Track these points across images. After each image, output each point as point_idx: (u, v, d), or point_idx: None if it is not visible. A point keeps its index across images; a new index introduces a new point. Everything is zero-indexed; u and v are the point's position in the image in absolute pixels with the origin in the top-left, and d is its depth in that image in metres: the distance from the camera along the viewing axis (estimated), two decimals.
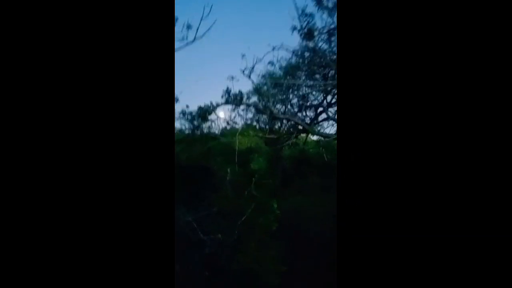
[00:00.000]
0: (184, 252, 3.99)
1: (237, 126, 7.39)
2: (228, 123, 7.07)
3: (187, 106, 6.61)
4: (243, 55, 4.51)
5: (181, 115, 6.52)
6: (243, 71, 5.65)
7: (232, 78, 5.99)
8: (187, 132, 7.01)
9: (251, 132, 7.04)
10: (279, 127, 7.42)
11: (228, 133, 7.71)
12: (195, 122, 6.45)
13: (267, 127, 7.32)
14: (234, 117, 7.26)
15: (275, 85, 6.31)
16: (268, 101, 5.96)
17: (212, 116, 6.45)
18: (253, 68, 5.62)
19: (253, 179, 6.42)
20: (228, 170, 6.91)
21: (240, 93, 6.07)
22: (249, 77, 5.83)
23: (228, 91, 6.12)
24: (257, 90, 6.12)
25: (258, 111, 6.74)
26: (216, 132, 7.28)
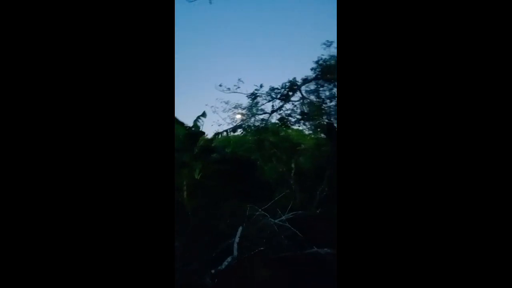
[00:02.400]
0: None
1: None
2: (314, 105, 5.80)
3: (261, 86, 5.37)
4: None
5: (250, 97, 5.37)
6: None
7: (330, 44, 4.74)
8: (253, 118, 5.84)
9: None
10: None
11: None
12: (269, 105, 5.31)
13: None
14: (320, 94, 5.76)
15: None
16: None
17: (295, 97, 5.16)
18: None
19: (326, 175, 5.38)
20: (293, 165, 5.91)
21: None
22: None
23: (320, 62, 4.93)
24: None
25: None
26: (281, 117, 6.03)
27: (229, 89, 5.38)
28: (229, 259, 3.31)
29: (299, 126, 6.14)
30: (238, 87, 5.33)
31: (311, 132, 6.32)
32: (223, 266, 3.21)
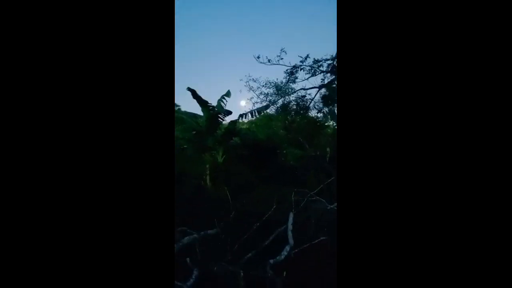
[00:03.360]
0: None
1: None
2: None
3: (306, 57, 4.59)
4: None
5: (287, 72, 4.79)
6: None
7: None
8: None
9: None
10: None
11: None
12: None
13: None
14: None
15: None
16: None
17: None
18: None
19: None
20: (328, 149, 5.50)
21: None
22: None
23: None
24: None
25: None
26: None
27: (269, 61, 4.78)
28: (287, 248, 2.92)
29: (331, 107, 5.66)
30: (281, 58, 4.68)
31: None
32: (282, 257, 2.83)
